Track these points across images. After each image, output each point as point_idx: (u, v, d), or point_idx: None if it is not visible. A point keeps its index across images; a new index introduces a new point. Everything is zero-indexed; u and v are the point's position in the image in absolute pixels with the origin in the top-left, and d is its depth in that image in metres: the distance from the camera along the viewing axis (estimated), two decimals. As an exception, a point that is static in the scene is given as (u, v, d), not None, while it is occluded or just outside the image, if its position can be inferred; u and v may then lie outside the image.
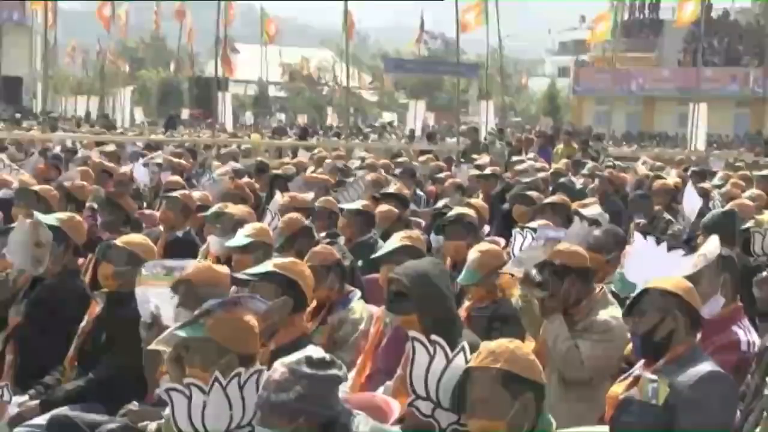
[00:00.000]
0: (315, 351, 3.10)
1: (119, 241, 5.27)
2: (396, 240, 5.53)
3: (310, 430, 3.00)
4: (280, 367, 3.04)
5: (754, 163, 17.19)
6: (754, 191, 9.41)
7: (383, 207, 7.79)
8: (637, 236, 5.48)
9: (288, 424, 2.97)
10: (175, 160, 11.51)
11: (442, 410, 3.40)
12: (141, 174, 10.42)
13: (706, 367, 3.68)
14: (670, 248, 4.97)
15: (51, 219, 5.61)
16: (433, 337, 3.48)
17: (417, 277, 4.13)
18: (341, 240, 6.96)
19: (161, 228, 7.35)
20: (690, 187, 8.91)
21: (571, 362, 4.61)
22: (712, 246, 4.79)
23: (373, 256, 5.69)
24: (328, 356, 3.09)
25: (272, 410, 2.99)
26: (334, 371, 3.05)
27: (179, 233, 7.17)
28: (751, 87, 36.35)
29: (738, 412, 3.99)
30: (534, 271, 4.91)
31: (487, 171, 10.87)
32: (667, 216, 8.91)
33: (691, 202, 8.38)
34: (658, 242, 5.12)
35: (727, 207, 7.70)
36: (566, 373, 4.64)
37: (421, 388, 3.40)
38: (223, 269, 4.65)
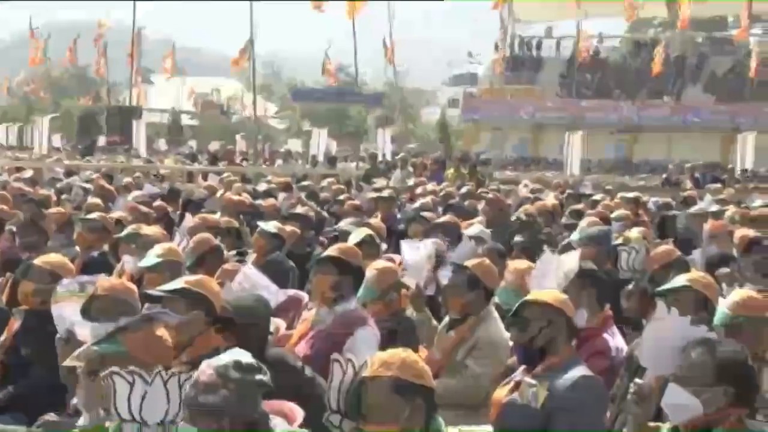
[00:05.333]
0: (243, 355, 3.06)
1: (39, 261, 5.20)
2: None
3: (232, 431, 2.96)
4: (207, 369, 2.98)
5: (623, 185, 17.61)
6: (621, 212, 9.63)
7: (288, 227, 7.78)
8: (546, 250, 5.62)
9: (212, 424, 2.93)
10: (108, 186, 11.27)
11: (347, 420, 3.43)
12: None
13: (580, 372, 3.76)
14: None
15: None
16: (348, 355, 3.52)
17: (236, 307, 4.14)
18: (250, 258, 6.93)
19: (77, 248, 7.21)
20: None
21: (469, 388, 4.69)
22: (571, 263, 4.92)
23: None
24: (255, 362, 3.06)
25: (199, 410, 2.94)
26: (260, 377, 3.03)
27: (95, 253, 7.03)
28: (625, 117, 37.30)
29: (608, 414, 4.10)
30: (422, 284, 5.02)
31: (385, 193, 10.93)
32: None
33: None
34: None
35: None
36: (466, 400, 4.65)
37: (334, 403, 3.44)
38: (130, 285, 4.59)
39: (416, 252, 5.81)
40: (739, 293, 4.25)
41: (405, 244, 6.10)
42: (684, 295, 4.42)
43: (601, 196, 12.59)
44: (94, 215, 7.45)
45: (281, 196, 11.12)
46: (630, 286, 5.40)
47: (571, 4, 35.68)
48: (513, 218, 9.21)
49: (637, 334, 4.60)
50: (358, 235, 6.65)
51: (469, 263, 5.15)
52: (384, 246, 7.45)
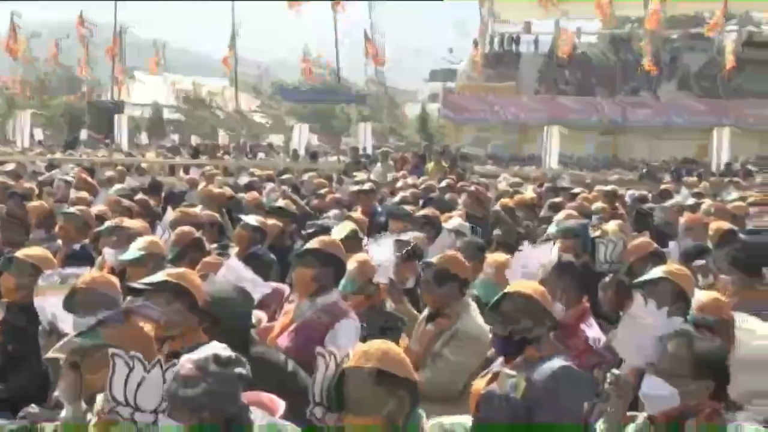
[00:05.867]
0: (222, 349, 3.05)
1: (20, 254, 5.14)
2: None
3: (213, 425, 2.94)
4: (187, 363, 2.97)
5: (604, 180, 17.68)
6: (598, 204, 9.66)
7: (270, 221, 7.75)
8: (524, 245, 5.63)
9: (193, 418, 2.92)
10: (90, 180, 11.20)
11: (330, 412, 3.43)
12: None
13: (560, 362, 3.76)
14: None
15: None
16: (330, 348, 3.51)
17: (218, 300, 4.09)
18: (232, 251, 6.90)
19: (59, 242, 7.15)
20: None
21: (444, 380, 4.68)
22: (552, 256, 4.93)
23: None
24: (234, 355, 3.04)
25: (179, 404, 2.93)
26: (239, 369, 3.01)
27: (77, 246, 6.98)
28: (606, 114, 37.26)
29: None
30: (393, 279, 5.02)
31: (366, 186, 10.91)
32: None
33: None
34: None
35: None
36: (442, 390, 4.64)
37: (318, 395, 3.42)
38: (112, 278, 4.57)
39: (381, 250, 5.78)
40: (704, 294, 4.30)
41: (370, 247, 6.06)
42: (661, 287, 4.44)
43: (580, 189, 12.62)
44: (74, 209, 7.40)
45: (268, 186, 11.09)
46: (607, 279, 5.42)
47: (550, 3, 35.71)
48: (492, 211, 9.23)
49: (615, 327, 4.61)
50: (341, 229, 6.63)
51: (434, 259, 5.12)
52: (365, 240, 7.44)
